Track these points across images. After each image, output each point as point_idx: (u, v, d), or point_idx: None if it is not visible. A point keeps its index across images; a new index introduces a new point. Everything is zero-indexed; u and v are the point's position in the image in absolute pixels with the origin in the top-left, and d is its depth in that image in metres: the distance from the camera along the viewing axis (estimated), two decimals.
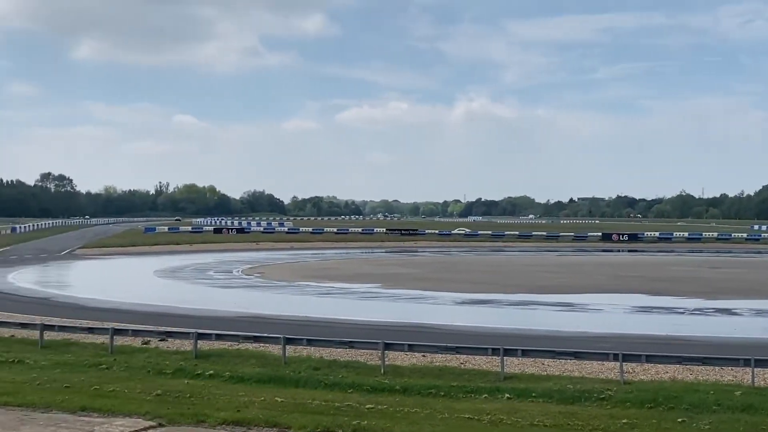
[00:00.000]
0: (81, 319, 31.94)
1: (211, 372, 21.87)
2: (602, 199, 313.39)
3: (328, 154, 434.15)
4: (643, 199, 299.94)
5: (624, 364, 21.28)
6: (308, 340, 24.34)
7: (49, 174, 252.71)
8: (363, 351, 24.13)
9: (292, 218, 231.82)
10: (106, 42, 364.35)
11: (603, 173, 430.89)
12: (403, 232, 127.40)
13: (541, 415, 17.10)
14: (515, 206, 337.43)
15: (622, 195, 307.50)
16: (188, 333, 25.65)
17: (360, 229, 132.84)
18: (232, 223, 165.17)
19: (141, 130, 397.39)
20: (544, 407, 18.08)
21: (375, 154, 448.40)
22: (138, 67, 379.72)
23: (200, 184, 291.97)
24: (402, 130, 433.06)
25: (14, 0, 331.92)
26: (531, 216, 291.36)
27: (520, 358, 22.79)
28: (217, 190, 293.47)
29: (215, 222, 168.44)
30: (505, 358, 21.80)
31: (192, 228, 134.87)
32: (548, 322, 34.57)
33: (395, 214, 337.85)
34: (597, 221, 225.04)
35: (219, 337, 25.61)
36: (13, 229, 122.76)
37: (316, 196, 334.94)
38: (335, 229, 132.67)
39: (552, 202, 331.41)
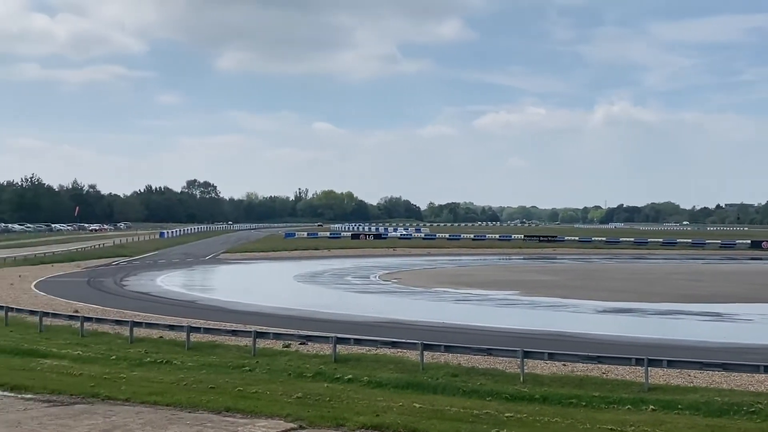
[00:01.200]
0: (225, 321, 32.81)
1: (350, 376, 22.07)
2: (751, 205, 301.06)
3: (464, 160, 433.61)
4: None
5: None
6: (446, 346, 24.24)
7: (195, 181, 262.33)
8: (501, 359, 23.86)
9: (428, 224, 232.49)
10: (248, 52, 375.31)
11: (752, 178, 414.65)
12: (541, 238, 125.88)
13: (687, 428, 16.53)
14: (659, 212, 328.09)
15: None
16: (328, 337, 25.97)
17: (497, 236, 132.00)
18: (369, 228, 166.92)
19: (281, 138, 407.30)
20: (691, 420, 17.46)
21: (512, 159, 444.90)
22: (279, 76, 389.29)
23: (338, 191, 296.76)
24: (540, 136, 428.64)
25: (160, 12, 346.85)
26: (686, 222, 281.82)
27: (666, 369, 22.08)
28: (355, 196, 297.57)
29: (353, 228, 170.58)
30: (649, 368, 21.15)
31: (330, 234, 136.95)
32: (694, 332, 33.35)
33: (533, 221, 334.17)
34: (746, 228, 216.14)
35: (357, 341, 25.82)
36: (162, 234, 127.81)
37: (453, 202, 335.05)
38: (472, 236, 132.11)
39: (698, 208, 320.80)
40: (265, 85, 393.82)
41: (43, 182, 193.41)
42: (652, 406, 18.57)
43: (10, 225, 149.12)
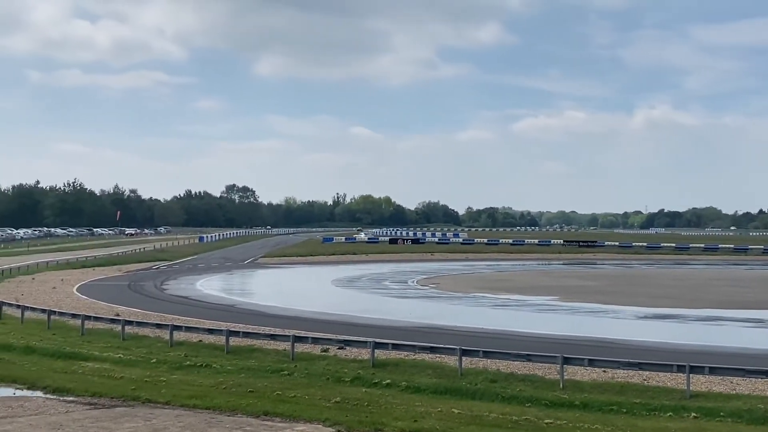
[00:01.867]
0: (263, 325, 32.95)
1: (388, 381, 22.08)
2: None
3: (503, 165, 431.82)
4: None
5: None
6: (484, 352, 24.10)
7: (234, 186, 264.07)
8: (540, 364, 23.72)
9: (466, 229, 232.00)
10: (286, 57, 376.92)
11: None
12: (581, 243, 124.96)
13: None
14: (700, 218, 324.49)
15: None
16: (366, 342, 25.97)
17: (536, 241, 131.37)
18: (407, 233, 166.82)
19: (319, 143, 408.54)
20: (734, 427, 17.28)
21: (551, 164, 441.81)
22: (316, 81, 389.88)
23: (376, 195, 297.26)
24: (579, 140, 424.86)
25: (199, 18, 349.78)
26: (733, 228, 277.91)
27: (707, 376, 21.77)
28: (393, 200, 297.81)
29: (390, 233, 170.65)
30: (691, 375, 20.89)
31: (368, 238, 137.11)
32: (736, 339, 32.93)
33: (572, 226, 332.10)
34: None
35: (395, 346, 25.79)
36: (201, 239, 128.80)
37: (491, 207, 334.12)
38: (511, 241, 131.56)
39: (740, 213, 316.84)
40: (303, 90, 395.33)
41: (85, 187, 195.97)
42: (693, 414, 18.36)
43: (52, 229, 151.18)
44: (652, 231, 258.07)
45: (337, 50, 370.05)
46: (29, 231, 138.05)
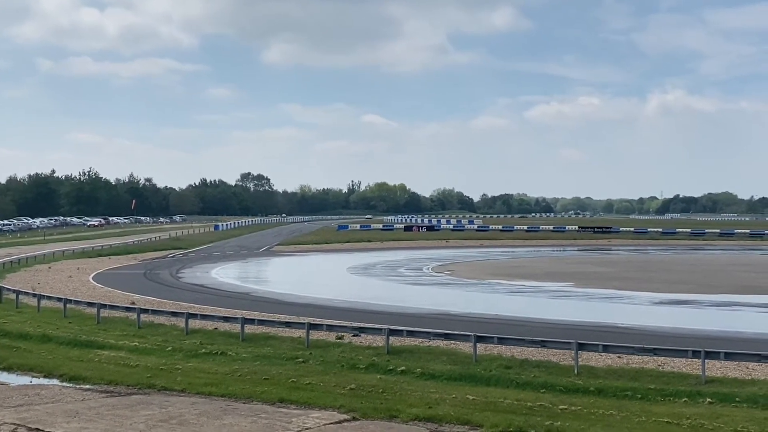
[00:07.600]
0: (278, 313, 33.02)
1: (403, 368, 22.12)
2: None
3: (517, 151, 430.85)
4: None
5: None
6: (499, 338, 24.14)
7: (249, 174, 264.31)
8: (555, 351, 23.71)
9: (481, 216, 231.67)
10: (296, 44, 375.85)
11: None
12: (596, 229, 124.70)
13: (745, 421, 16.30)
14: (716, 203, 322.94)
15: None
16: (380, 329, 26.00)
17: (551, 227, 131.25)
18: (422, 221, 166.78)
19: (334, 131, 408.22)
20: (749, 413, 17.21)
21: (566, 150, 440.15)
22: (328, 68, 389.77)
23: (391, 183, 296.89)
24: (594, 126, 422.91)
25: (207, 6, 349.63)
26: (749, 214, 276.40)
27: (723, 361, 21.71)
28: (408, 188, 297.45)
29: (405, 220, 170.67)
30: (706, 361, 20.84)
31: (383, 226, 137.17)
32: (752, 324, 32.82)
33: (587, 212, 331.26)
34: None
35: (410, 333, 25.79)
36: (216, 227, 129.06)
37: (506, 194, 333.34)
38: (526, 227, 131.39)
39: (756, 198, 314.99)
40: (315, 78, 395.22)
41: (101, 176, 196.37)
42: (709, 399, 18.34)
43: (68, 218, 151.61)
44: (667, 216, 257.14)
45: (347, 37, 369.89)
46: (45, 220, 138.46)
